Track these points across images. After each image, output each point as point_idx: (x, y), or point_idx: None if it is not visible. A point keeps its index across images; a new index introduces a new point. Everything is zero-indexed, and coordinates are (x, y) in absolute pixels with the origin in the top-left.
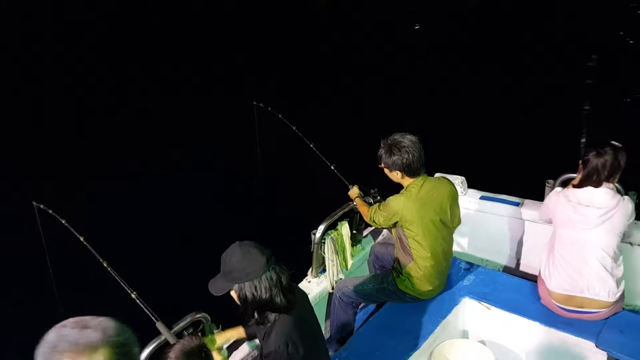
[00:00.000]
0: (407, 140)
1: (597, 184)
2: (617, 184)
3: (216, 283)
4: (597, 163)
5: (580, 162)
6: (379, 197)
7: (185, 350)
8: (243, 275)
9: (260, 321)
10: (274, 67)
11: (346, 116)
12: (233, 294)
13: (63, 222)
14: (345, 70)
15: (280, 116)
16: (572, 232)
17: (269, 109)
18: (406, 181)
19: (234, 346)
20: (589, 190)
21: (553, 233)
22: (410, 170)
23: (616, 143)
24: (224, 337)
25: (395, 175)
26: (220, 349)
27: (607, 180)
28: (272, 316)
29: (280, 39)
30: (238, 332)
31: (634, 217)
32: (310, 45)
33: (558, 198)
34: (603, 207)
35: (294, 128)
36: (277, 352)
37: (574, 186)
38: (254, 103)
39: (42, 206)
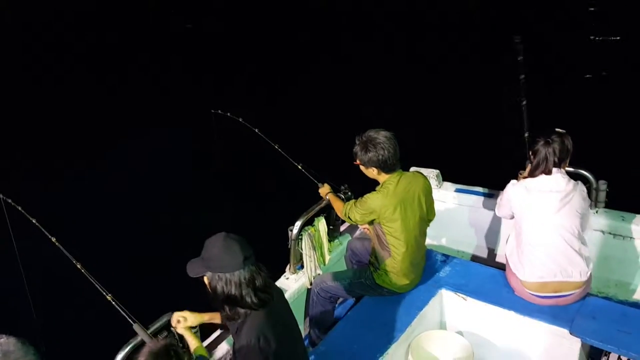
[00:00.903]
0: (382, 136)
1: (549, 172)
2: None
3: (193, 264)
4: (546, 151)
5: (530, 152)
6: (350, 193)
7: (153, 352)
8: (217, 266)
9: (230, 315)
10: (231, 69)
11: (311, 114)
12: (206, 280)
13: (34, 221)
14: (305, 66)
15: (240, 120)
16: (536, 219)
17: (228, 114)
18: (382, 177)
19: (213, 345)
20: (543, 177)
21: (516, 224)
22: (386, 167)
23: (560, 130)
24: (199, 318)
25: (372, 172)
26: (193, 329)
27: (559, 166)
28: (242, 311)
29: (233, 39)
30: (212, 317)
31: (589, 200)
32: (265, 43)
33: (516, 189)
34: (562, 191)
35: (256, 130)
36: (249, 347)
37: (528, 176)
38: (212, 111)
39: (10, 201)
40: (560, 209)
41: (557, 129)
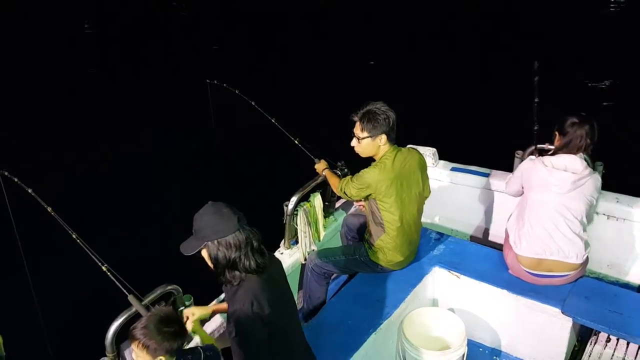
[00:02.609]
0: (381, 104)
1: (577, 151)
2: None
3: (187, 243)
4: (582, 132)
5: (555, 130)
6: (346, 170)
7: (161, 316)
8: (213, 233)
9: (229, 280)
10: (226, 41)
11: (309, 89)
12: (204, 253)
13: (29, 191)
14: (304, 41)
15: (237, 92)
16: (545, 196)
17: (224, 85)
18: (384, 148)
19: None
20: (563, 157)
21: (522, 199)
22: (393, 132)
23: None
24: (205, 311)
25: (378, 142)
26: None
27: (586, 149)
28: (238, 274)
29: (228, 11)
30: (217, 307)
31: (600, 192)
32: (263, 15)
33: (534, 164)
34: (577, 173)
35: (252, 103)
36: (242, 310)
37: (552, 154)
38: (207, 81)
39: (6, 173)
40: (570, 191)
41: (583, 114)
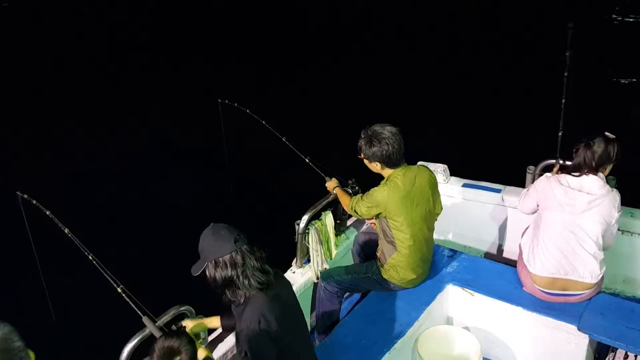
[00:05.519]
0: (387, 131)
1: (587, 174)
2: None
3: (195, 265)
4: (585, 155)
5: (574, 150)
6: (357, 188)
7: (170, 346)
8: (210, 253)
9: (232, 299)
10: (237, 60)
11: (319, 107)
12: (206, 272)
13: (48, 213)
14: (315, 58)
15: (248, 111)
16: (559, 216)
17: (236, 104)
18: (386, 172)
19: (217, 340)
20: (580, 176)
21: (537, 217)
22: (390, 162)
23: (609, 134)
24: (199, 325)
25: (375, 167)
26: (197, 337)
27: (596, 170)
28: (241, 293)
29: (239, 30)
30: (210, 321)
31: (620, 211)
32: (273, 34)
33: (549, 182)
34: (593, 194)
35: (263, 122)
36: (249, 328)
37: (566, 173)
38: (219, 100)
39: (25, 196)
40: (584, 211)
41: (606, 133)
